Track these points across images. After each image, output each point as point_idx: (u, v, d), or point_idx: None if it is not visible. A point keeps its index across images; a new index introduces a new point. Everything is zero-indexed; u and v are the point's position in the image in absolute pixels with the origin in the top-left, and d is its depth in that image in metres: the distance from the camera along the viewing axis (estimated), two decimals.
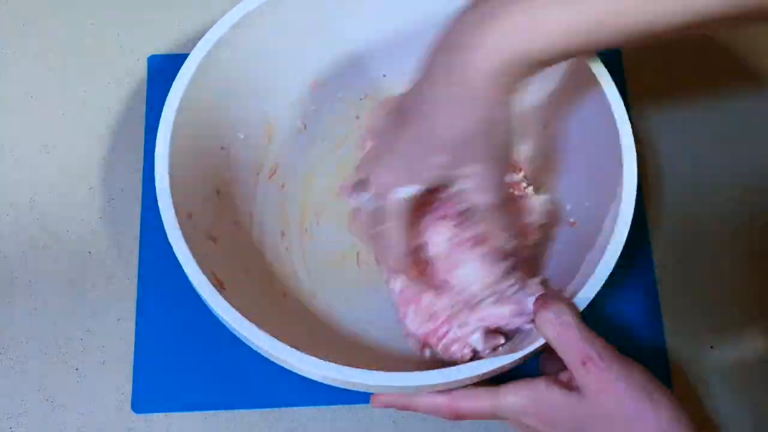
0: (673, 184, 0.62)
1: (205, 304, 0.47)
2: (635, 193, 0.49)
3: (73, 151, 0.62)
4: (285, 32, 0.56)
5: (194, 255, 0.47)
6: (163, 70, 0.64)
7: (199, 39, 0.52)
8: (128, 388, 0.56)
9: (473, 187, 0.43)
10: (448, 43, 0.42)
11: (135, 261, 0.59)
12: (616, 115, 0.50)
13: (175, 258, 0.47)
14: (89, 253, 0.59)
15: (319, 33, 0.57)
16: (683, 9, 0.39)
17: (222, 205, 0.56)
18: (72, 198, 0.61)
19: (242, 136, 0.58)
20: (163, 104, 0.50)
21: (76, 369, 0.56)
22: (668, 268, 0.60)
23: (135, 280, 0.58)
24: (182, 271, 0.47)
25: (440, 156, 0.42)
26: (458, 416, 0.46)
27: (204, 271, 0.47)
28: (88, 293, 0.58)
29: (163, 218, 0.48)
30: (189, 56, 0.52)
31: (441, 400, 0.46)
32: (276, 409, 0.56)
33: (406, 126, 0.43)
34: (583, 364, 0.42)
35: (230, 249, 0.54)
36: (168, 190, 0.48)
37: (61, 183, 0.61)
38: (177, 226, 0.48)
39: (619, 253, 0.47)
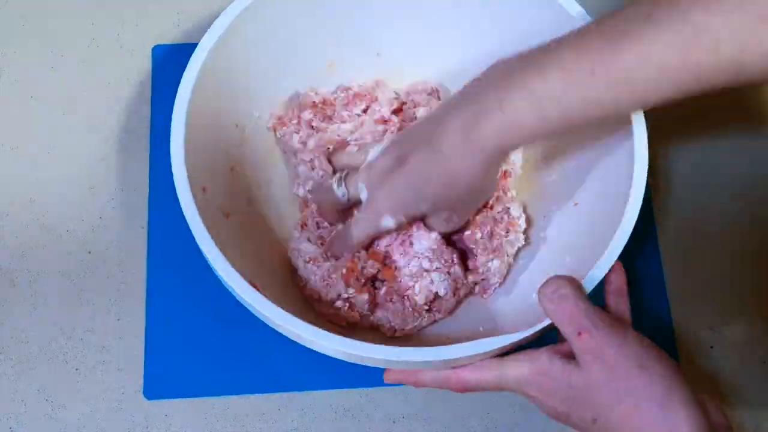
0: (679, 185, 0.62)
1: (215, 285, 0.47)
2: (645, 179, 0.49)
3: (73, 151, 0.62)
4: (301, 12, 0.56)
5: (208, 229, 0.47)
6: (167, 60, 0.64)
7: (199, 31, 0.52)
8: (128, 387, 0.56)
9: (439, 221, 0.53)
10: (452, 125, 0.48)
11: (135, 260, 0.59)
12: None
13: (184, 243, 0.47)
14: (89, 253, 0.59)
15: (331, 14, 0.57)
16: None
17: (236, 181, 0.56)
18: (72, 198, 0.61)
19: (257, 114, 0.58)
20: (168, 93, 0.51)
21: (76, 369, 0.56)
22: (670, 267, 0.60)
23: (135, 280, 0.58)
24: (192, 254, 0.47)
25: (428, 204, 0.51)
26: (465, 388, 0.48)
27: (218, 246, 0.47)
28: (88, 293, 0.58)
29: (177, 190, 0.48)
30: (207, 33, 0.52)
31: (447, 373, 0.48)
32: (285, 394, 0.56)
33: (407, 170, 0.50)
34: (579, 334, 0.43)
35: (242, 225, 0.55)
36: (183, 163, 0.48)
37: (61, 183, 0.61)
38: (191, 198, 0.48)
39: (628, 235, 0.47)
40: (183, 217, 0.47)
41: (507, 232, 0.56)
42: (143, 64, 0.65)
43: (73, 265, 0.59)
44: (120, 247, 0.59)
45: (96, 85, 0.64)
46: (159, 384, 0.56)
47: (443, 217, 0.53)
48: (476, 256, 0.55)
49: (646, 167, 0.49)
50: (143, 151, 0.62)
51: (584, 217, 0.54)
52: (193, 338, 0.57)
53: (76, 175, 0.61)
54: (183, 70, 0.51)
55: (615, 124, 0.51)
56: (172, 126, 0.50)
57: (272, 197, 0.59)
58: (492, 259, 0.55)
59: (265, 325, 0.47)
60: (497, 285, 0.56)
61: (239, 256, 0.50)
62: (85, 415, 0.55)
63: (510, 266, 0.57)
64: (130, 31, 0.66)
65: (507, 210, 0.57)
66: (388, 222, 0.52)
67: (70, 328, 0.57)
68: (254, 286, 0.47)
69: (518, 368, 0.46)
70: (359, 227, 0.53)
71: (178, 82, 0.51)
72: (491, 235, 0.55)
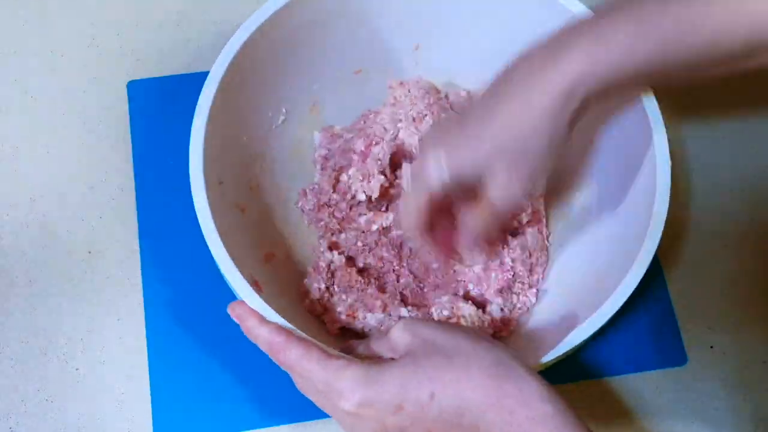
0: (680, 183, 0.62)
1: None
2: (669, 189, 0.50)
3: (73, 151, 0.62)
4: (333, 16, 0.56)
5: (217, 221, 0.47)
6: (144, 95, 0.64)
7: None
8: (128, 387, 0.56)
9: (496, 186, 0.46)
10: (521, 67, 0.45)
11: (135, 260, 0.59)
12: (652, 125, 0.51)
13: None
14: (89, 253, 0.59)
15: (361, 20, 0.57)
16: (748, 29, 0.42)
17: (257, 176, 0.56)
18: (72, 198, 0.61)
19: (284, 111, 0.58)
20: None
21: (76, 369, 0.56)
22: (669, 268, 0.60)
23: (135, 280, 0.58)
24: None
25: (485, 152, 0.45)
26: (285, 366, 0.43)
27: (225, 244, 0.47)
28: (88, 293, 0.58)
29: (191, 178, 0.48)
30: (241, 27, 0.52)
31: (276, 339, 0.43)
32: (299, 423, 0.55)
33: (468, 118, 0.46)
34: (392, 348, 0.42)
35: (257, 221, 0.55)
36: (201, 151, 0.48)
37: (61, 183, 0.61)
38: (204, 187, 0.48)
39: (657, 242, 0.48)
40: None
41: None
42: (144, 64, 0.64)
43: (73, 265, 0.59)
44: (120, 247, 0.59)
45: (96, 85, 0.64)
46: (170, 427, 0.55)
47: (500, 180, 0.46)
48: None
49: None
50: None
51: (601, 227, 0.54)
52: (198, 377, 0.56)
53: (76, 175, 0.61)
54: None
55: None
56: (195, 112, 0.49)
57: (294, 194, 0.59)
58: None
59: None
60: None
61: (246, 254, 0.49)
62: (85, 415, 0.55)
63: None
64: (131, 30, 0.66)
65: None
66: (438, 170, 0.46)
67: (70, 328, 0.57)
68: (256, 284, 0.47)
69: (348, 382, 0.41)
70: (414, 186, 0.48)
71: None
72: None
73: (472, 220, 0.49)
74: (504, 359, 0.40)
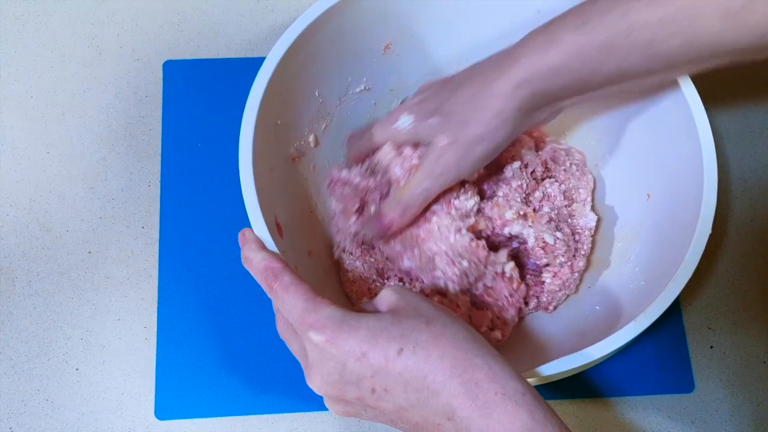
0: None
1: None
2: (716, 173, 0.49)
3: (73, 151, 0.62)
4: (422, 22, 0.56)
5: (257, 154, 0.47)
6: (178, 67, 0.64)
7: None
8: (127, 387, 0.56)
9: (438, 142, 0.51)
10: (487, 63, 0.50)
11: (135, 261, 0.59)
12: (694, 114, 0.51)
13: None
14: (89, 253, 0.59)
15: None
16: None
17: (325, 137, 0.57)
18: (72, 198, 0.61)
19: (365, 81, 0.58)
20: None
21: (76, 369, 0.56)
22: None
23: (135, 280, 0.58)
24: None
25: (444, 120, 0.50)
26: (273, 294, 0.43)
27: (254, 169, 0.47)
28: (88, 293, 0.58)
29: (246, 107, 0.48)
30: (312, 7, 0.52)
31: (272, 264, 0.44)
32: (299, 414, 0.56)
33: (439, 94, 0.52)
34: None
35: (306, 177, 0.55)
36: (265, 85, 0.48)
37: (61, 183, 0.61)
38: (254, 122, 0.48)
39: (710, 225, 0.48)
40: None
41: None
42: (143, 64, 0.65)
43: (73, 265, 0.59)
44: (120, 247, 0.59)
45: (96, 85, 0.64)
46: (170, 405, 0.56)
47: (440, 145, 0.50)
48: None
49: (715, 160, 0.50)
50: (144, 150, 0.62)
51: (657, 213, 0.54)
52: (203, 358, 0.57)
53: (76, 175, 0.61)
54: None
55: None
56: (272, 51, 0.50)
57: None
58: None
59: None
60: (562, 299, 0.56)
61: (278, 199, 0.50)
62: (85, 415, 0.55)
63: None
64: (130, 30, 0.66)
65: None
66: (404, 122, 0.51)
67: (70, 328, 0.57)
68: (278, 227, 0.47)
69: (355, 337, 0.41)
70: (378, 128, 0.53)
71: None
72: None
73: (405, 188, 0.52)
74: (478, 340, 0.41)
